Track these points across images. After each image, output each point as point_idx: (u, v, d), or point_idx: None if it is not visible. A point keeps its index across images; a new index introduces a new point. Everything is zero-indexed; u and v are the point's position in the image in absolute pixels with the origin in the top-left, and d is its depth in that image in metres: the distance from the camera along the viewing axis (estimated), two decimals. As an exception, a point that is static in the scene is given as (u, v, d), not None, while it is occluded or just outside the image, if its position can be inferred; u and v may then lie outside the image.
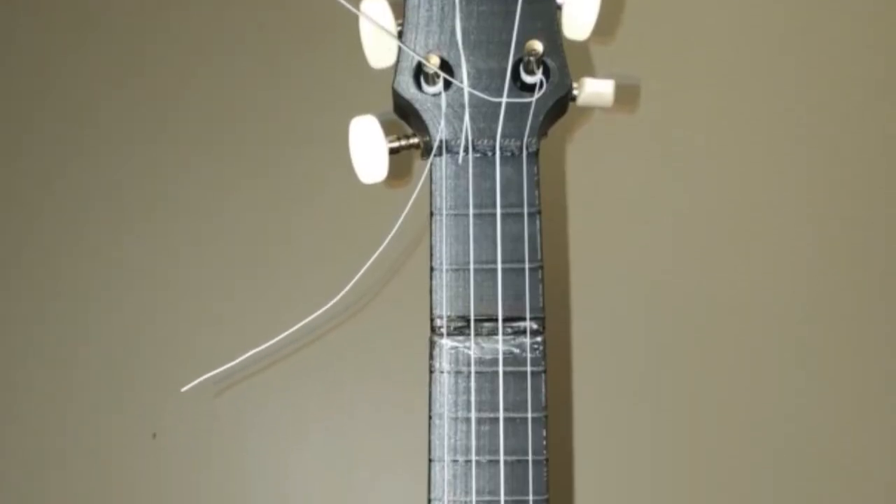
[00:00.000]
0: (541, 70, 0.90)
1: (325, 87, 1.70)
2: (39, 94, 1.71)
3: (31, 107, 1.70)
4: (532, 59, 0.89)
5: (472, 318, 0.89)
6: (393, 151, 0.92)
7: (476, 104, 0.90)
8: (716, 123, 1.69)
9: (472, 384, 0.89)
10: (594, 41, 0.95)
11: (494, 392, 0.89)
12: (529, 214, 0.90)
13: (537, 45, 0.88)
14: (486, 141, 0.90)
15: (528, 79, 0.90)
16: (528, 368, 0.89)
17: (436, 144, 0.90)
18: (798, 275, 1.64)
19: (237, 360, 0.99)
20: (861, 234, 1.65)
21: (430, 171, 0.91)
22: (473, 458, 0.89)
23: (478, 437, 0.89)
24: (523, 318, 0.89)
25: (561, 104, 0.92)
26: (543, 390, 0.89)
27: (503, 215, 0.90)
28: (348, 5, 0.88)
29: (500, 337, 0.89)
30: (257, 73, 1.72)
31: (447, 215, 0.90)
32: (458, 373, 0.89)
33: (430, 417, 0.90)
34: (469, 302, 0.89)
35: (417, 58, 0.90)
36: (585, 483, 1.60)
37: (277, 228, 1.66)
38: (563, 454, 1.60)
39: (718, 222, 1.65)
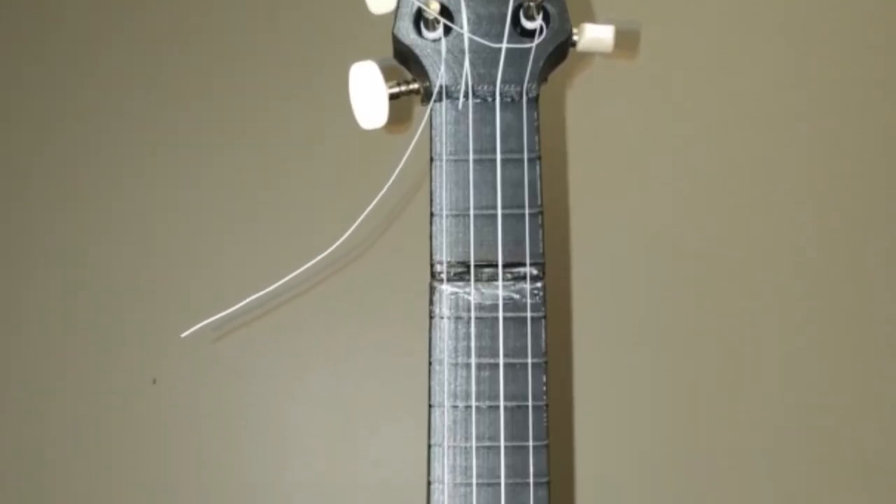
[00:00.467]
0: (541, 16, 0.90)
1: (326, 32, 1.69)
2: (39, 34, 1.70)
3: (31, 47, 1.69)
4: (532, 4, 0.88)
5: (472, 263, 0.89)
6: (393, 97, 0.92)
7: (476, 50, 0.90)
8: (716, 69, 1.68)
9: (472, 330, 0.89)
10: (595, -14, 0.95)
11: (494, 338, 0.89)
12: (529, 160, 0.90)
13: (537, -9, 0.88)
14: (486, 86, 0.90)
15: (528, 24, 0.90)
16: (528, 314, 0.89)
17: (436, 90, 0.90)
18: (799, 218, 1.64)
19: (236, 306, 0.99)
20: (861, 173, 1.65)
21: (430, 116, 0.90)
22: (473, 403, 0.90)
23: (478, 383, 0.89)
24: (523, 264, 0.89)
25: (561, 50, 0.92)
26: (543, 336, 0.90)
27: (503, 161, 0.90)
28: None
29: (500, 282, 0.89)
30: (257, 19, 1.71)
31: (447, 161, 0.90)
32: (458, 318, 0.89)
33: (429, 363, 0.90)
34: (469, 247, 0.89)
35: (417, 3, 0.89)
36: (585, 429, 1.61)
37: (277, 174, 1.65)
38: (564, 400, 1.60)
39: (718, 167, 1.65)
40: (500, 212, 0.89)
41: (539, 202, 0.90)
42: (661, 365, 1.61)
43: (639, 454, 1.61)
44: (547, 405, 0.90)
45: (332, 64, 1.60)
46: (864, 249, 1.63)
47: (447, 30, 0.90)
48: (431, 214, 0.90)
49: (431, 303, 0.90)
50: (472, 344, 0.89)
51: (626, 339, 1.62)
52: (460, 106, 0.90)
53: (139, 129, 1.67)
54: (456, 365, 0.89)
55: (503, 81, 0.90)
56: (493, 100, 0.90)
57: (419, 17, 0.90)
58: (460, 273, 0.89)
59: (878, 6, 1.68)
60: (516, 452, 0.90)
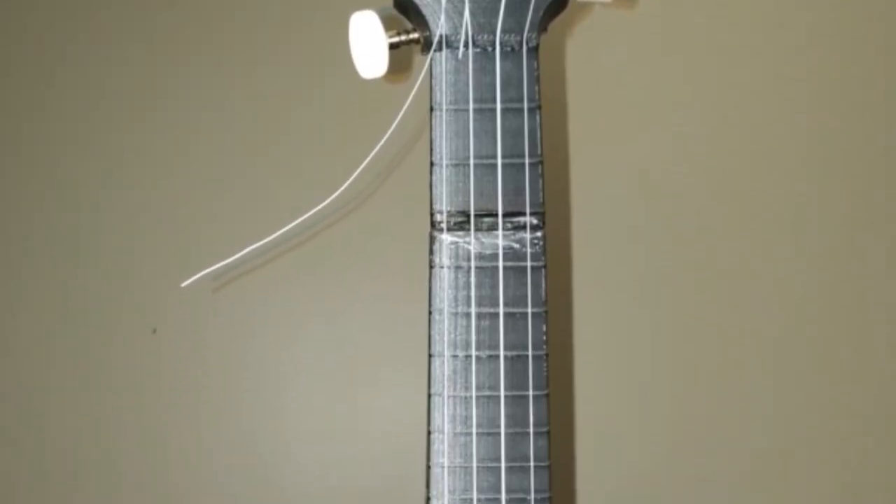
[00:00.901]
0: (541, -36, 0.89)
1: (324, -19, 1.68)
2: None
3: None
4: (533, -48, 0.88)
5: (472, 213, 0.89)
6: (393, 47, 0.91)
7: (476, -2, 0.90)
8: (717, 16, 1.67)
9: (472, 279, 0.89)
10: (596, -65, 0.94)
11: (494, 287, 0.89)
12: (529, 109, 0.90)
13: (538, -62, 0.87)
14: (485, 36, 0.90)
15: (528, -28, 0.89)
16: (528, 263, 0.89)
17: (436, 39, 0.90)
18: (801, 165, 1.63)
19: (236, 256, 0.99)
20: (865, 123, 1.64)
21: (430, 66, 0.90)
22: (473, 353, 0.90)
23: (478, 332, 0.90)
24: (523, 214, 0.89)
25: (561, -1, 0.91)
26: (543, 285, 0.90)
27: (503, 110, 0.90)
28: None
29: (499, 232, 0.89)
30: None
31: (447, 110, 0.90)
32: (457, 268, 0.89)
33: (429, 313, 0.91)
34: (469, 197, 0.89)
35: (417, -48, 0.89)
36: (585, 379, 1.61)
37: (277, 124, 1.65)
38: (563, 350, 1.61)
39: (719, 116, 1.64)
40: (499, 161, 0.89)
41: (539, 151, 0.90)
42: (661, 314, 1.62)
43: (638, 404, 1.62)
44: (547, 354, 0.90)
45: (332, 13, 1.60)
46: (863, 199, 1.63)
47: (447, -22, 0.89)
48: (431, 164, 0.90)
49: (431, 252, 0.90)
50: (472, 293, 0.89)
51: (627, 288, 1.62)
52: (460, 55, 0.90)
53: (137, 79, 1.67)
54: (456, 314, 0.89)
55: (503, 31, 0.89)
56: (493, 49, 0.90)
57: (419, -34, 0.90)
58: (460, 222, 0.89)
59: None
60: (516, 402, 0.90)
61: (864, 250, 1.63)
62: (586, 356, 1.61)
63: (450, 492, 0.91)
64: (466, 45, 0.90)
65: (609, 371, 1.62)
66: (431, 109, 0.90)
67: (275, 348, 1.61)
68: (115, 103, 1.66)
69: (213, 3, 1.69)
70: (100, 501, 1.60)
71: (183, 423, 1.61)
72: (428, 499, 0.92)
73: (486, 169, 0.89)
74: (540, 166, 0.90)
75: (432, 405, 0.91)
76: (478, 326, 0.89)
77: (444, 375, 0.90)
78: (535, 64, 0.90)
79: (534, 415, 0.91)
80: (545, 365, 0.90)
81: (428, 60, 0.90)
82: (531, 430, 0.91)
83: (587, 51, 1.66)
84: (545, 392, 0.91)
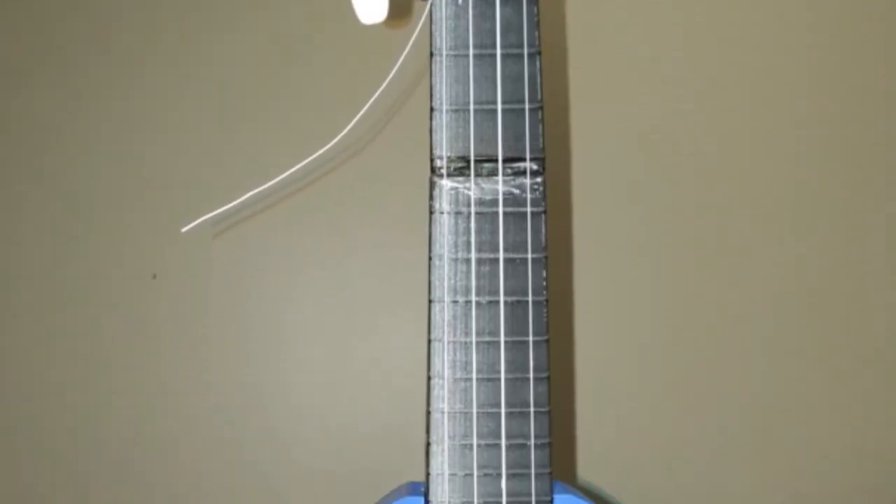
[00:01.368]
0: None
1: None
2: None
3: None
4: None
5: (472, 158, 0.89)
6: (393, -9, 0.91)
7: (476, -57, 0.89)
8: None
9: (472, 225, 0.89)
10: None
11: (494, 233, 0.89)
12: (529, 55, 0.90)
13: None
14: (486, -20, 0.89)
15: (528, -84, 0.89)
16: (528, 209, 0.89)
17: (436, -16, 0.89)
18: (804, 114, 1.63)
19: (236, 202, 0.99)
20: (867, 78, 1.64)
21: (430, 11, 0.90)
22: (473, 298, 0.90)
23: (478, 278, 0.90)
24: (523, 159, 0.89)
25: (562, -57, 0.91)
26: (543, 231, 0.90)
27: (503, 56, 0.89)
28: None
29: (499, 177, 0.89)
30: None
31: (447, 56, 0.89)
32: (457, 213, 0.89)
33: (429, 258, 0.91)
34: (469, 142, 0.89)
35: None
36: (585, 325, 1.62)
37: (277, 70, 1.64)
38: (564, 296, 1.61)
39: (721, 63, 1.64)
40: (500, 107, 0.89)
41: (539, 97, 0.90)
42: (662, 260, 1.62)
43: (638, 350, 1.62)
44: (547, 300, 0.90)
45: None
46: (865, 147, 1.63)
47: (447, -78, 0.89)
48: (431, 109, 0.89)
49: (431, 198, 0.90)
50: (472, 239, 0.89)
51: (626, 234, 1.62)
52: (460, 0, 0.89)
53: (137, 27, 1.66)
54: (456, 260, 0.90)
55: (503, -25, 0.89)
56: (494, -6, 0.89)
57: None
58: (460, 168, 0.89)
59: None
60: (516, 347, 0.91)
61: (866, 198, 1.63)
62: (586, 303, 1.62)
63: (450, 437, 0.92)
64: (466, -10, 0.89)
65: (609, 318, 1.62)
66: (431, 55, 0.90)
67: (275, 294, 1.62)
68: (114, 48, 1.65)
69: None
70: (97, 445, 1.61)
71: (181, 369, 1.62)
72: (428, 444, 0.93)
73: (486, 114, 0.89)
74: (540, 112, 0.89)
75: (432, 351, 0.91)
76: (478, 272, 0.89)
77: (443, 321, 0.90)
78: (535, 9, 0.90)
79: (534, 360, 0.91)
80: (545, 311, 0.90)
81: (428, 6, 0.90)
82: (531, 375, 0.91)
83: (588, -4, 1.65)
84: (545, 338, 0.91)
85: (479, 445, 0.92)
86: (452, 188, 0.89)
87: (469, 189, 0.89)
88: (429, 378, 0.92)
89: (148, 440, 1.61)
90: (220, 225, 1.59)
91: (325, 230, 1.62)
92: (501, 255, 0.90)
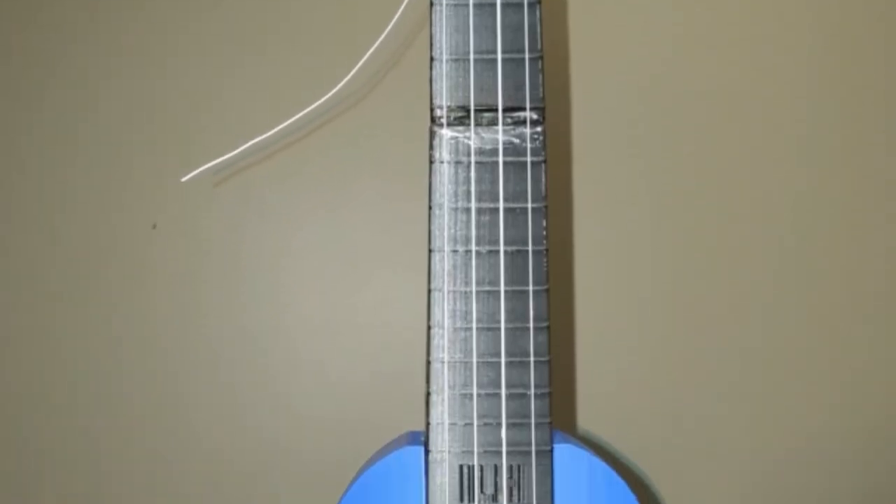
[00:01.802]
0: None
1: None
2: None
3: None
4: None
5: (472, 108, 0.89)
6: (393, -61, 0.91)
7: None
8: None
9: (472, 174, 0.89)
10: None
11: (494, 182, 0.90)
12: (529, 4, 0.89)
13: None
14: (486, -71, 0.89)
15: None
16: (528, 158, 0.89)
17: (436, -68, 0.89)
18: (808, 68, 1.63)
19: (236, 151, 0.99)
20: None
21: (431, -41, 0.89)
22: (473, 248, 0.90)
23: (478, 227, 0.90)
24: (523, 108, 0.89)
25: None
26: (543, 180, 0.90)
27: (503, 5, 0.89)
28: None
29: (499, 127, 0.89)
30: None
31: (447, 5, 0.89)
32: (457, 163, 0.89)
33: (429, 208, 0.91)
34: (469, 92, 0.89)
35: None
36: (585, 275, 1.62)
37: (278, 18, 1.64)
38: (564, 247, 1.61)
39: (724, 9, 1.63)
40: (499, 56, 0.89)
41: (539, 46, 0.89)
42: (662, 211, 1.62)
43: (638, 300, 1.62)
44: (547, 250, 0.90)
45: None
46: (865, 106, 1.63)
47: None
48: (431, 59, 0.89)
49: (431, 147, 0.90)
50: (472, 188, 0.89)
51: (626, 183, 1.62)
52: (460, -51, 0.89)
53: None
54: (456, 209, 0.90)
55: (504, -77, 0.89)
56: (494, -58, 0.89)
57: None
58: (460, 117, 0.89)
59: None
60: (516, 297, 0.91)
61: (868, 156, 1.62)
62: (586, 253, 1.62)
63: (450, 387, 0.92)
64: (467, -61, 0.89)
65: (609, 268, 1.62)
66: (431, 4, 0.89)
67: (275, 243, 1.62)
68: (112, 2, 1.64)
69: None
70: (93, 392, 1.61)
71: (181, 317, 1.62)
72: (428, 394, 0.93)
73: (486, 64, 0.89)
74: (540, 61, 0.89)
75: (432, 300, 0.92)
76: (478, 221, 0.90)
77: (443, 270, 0.91)
78: (536, -43, 0.90)
79: (534, 310, 0.91)
80: (545, 260, 0.91)
81: (428, -46, 0.89)
82: (531, 325, 0.91)
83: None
84: (545, 287, 0.91)
85: (479, 395, 0.92)
86: (452, 138, 0.89)
87: (469, 138, 0.89)
88: (429, 328, 0.92)
89: (147, 386, 1.61)
90: (221, 174, 1.59)
91: (325, 179, 1.62)
92: (501, 205, 0.90)
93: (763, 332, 1.61)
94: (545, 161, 0.89)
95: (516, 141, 0.89)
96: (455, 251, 0.90)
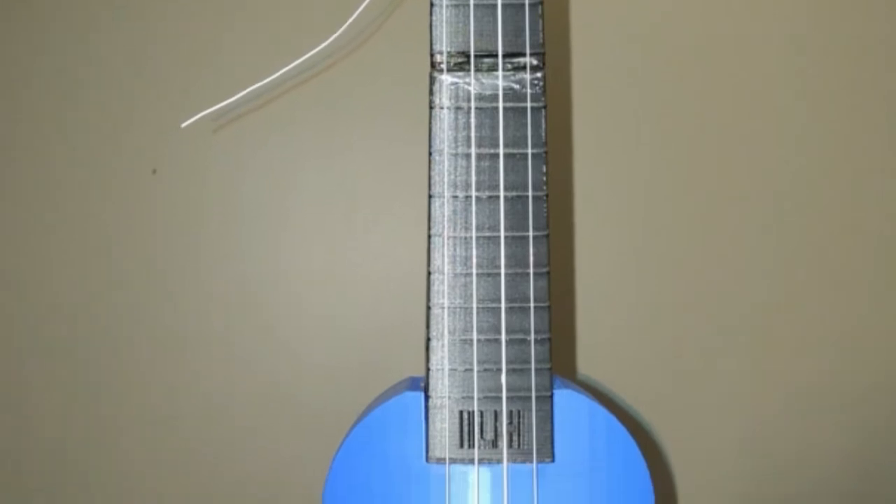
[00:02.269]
0: None
1: None
2: None
3: None
4: None
5: (472, 53, 0.89)
6: None
7: None
8: None
9: (472, 120, 0.89)
10: None
11: (494, 128, 0.89)
12: (530, -50, 0.89)
13: None
14: None
15: None
16: (528, 104, 0.89)
17: None
18: (810, 30, 1.62)
19: (237, 97, 0.99)
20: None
21: None
22: (473, 193, 0.90)
23: (478, 173, 0.90)
24: (523, 54, 0.89)
25: None
26: (543, 126, 0.90)
27: (503, -50, 0.89)
28: None
29: (499, 72, 0.89)
30: None
31: (447, -50, 0.89)
32: (457, 109, 0.89)
33: (429, 153, 0.91)
34: (469, 37, 0.89)
35: None
36: (585, 221, 1.62)
37: (274, -36, 1.63)
38: (564, 194, 1.61)
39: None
40: (499, 1, 0.88)
41: (539, -8, 0.89)
42: (662, 156, 1.62)
43: (640, 246, 1.63)
44: (547, 195, 0.90)
45: None
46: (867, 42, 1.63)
47: None
48: (431, 4, 0.89)
49: (431, 93, 0.90)
50: (472, 134, 0.89)
51: (626, 128, 1.62)
52: None
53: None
54: (456, 155, 0.90)
55: None
56: None
57: None
58: (460, 63, 0.89)
59: None
60: (516, 242, 0.91)
61: (868, 110, 1.62)
62: (586, 198, 1.62)
63: (450, 332, 0.93)
64: None
65: (609, 213, 1.62)
66: (431, -50, 0.89)
67: (274, 190, 1.62)
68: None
69: None
70: (91, 335, 1.62)
71: (180, 263, 1.62)
72: (428, 339, 0.94)
73: (486, 9, 0.89)
74: (540, 7, 0.89)
75: (432, 246, 0.92)
76: (478, 167, 0.90)
77: (443, 216, 0.91)
78: None
79: (534, 255, 0.91)
80: (545, 206, 0.91)
81: None
82: (531, 270, 0.91)
83: None
84: (545, 233, 0.91)
85: (479, 340, 0.92)
86: (452, 83, 0.89)
87: (469, 84, 0.89)
88: (429, 273, 0.93)
89: (146, 337, 1.62)
90: (221, 120, 1.59)
91: (325, 125, 1.62)
92: (501, 150, 0.90)
93: (763, 276, 1.61)
94: (545, 107, 0.89)
95: (516, 86, 0.89)
96: (455, 197, 0.90)
